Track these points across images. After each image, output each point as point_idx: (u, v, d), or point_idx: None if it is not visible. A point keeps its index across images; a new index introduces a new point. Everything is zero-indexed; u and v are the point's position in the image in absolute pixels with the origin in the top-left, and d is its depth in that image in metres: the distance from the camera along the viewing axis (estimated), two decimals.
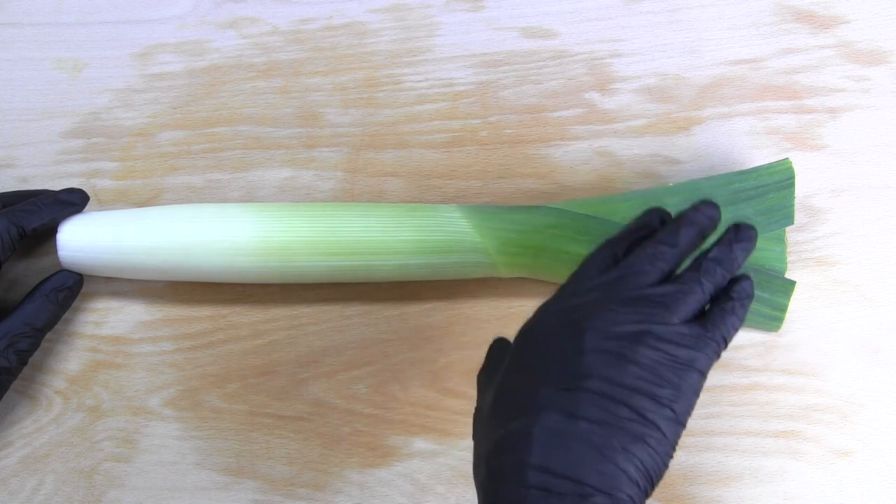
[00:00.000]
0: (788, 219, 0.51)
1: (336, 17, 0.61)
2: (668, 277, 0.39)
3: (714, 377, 0.51)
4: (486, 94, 0.58)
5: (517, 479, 0.35)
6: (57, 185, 0.54)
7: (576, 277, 0.40)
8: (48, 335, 0.51)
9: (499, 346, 0.43)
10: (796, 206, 0.52)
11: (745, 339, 0.52)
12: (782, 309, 0.51)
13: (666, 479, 0.49)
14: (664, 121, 0.57)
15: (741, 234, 0.40)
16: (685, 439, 0.49)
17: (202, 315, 0.53)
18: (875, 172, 0.56)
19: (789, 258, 0.52)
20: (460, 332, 0.52)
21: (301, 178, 0.56)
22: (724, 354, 0.51)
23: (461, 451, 0.50)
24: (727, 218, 0.51)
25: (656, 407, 0.36)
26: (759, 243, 0.51)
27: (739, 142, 0.57)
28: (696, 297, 0.38)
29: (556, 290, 0.41)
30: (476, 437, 0.40)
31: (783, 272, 0.51)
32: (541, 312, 0.40)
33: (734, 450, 0.49)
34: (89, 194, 0.52)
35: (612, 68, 0.59)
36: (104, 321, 0.53)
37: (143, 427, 0.51)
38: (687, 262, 0.40)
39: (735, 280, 0.40)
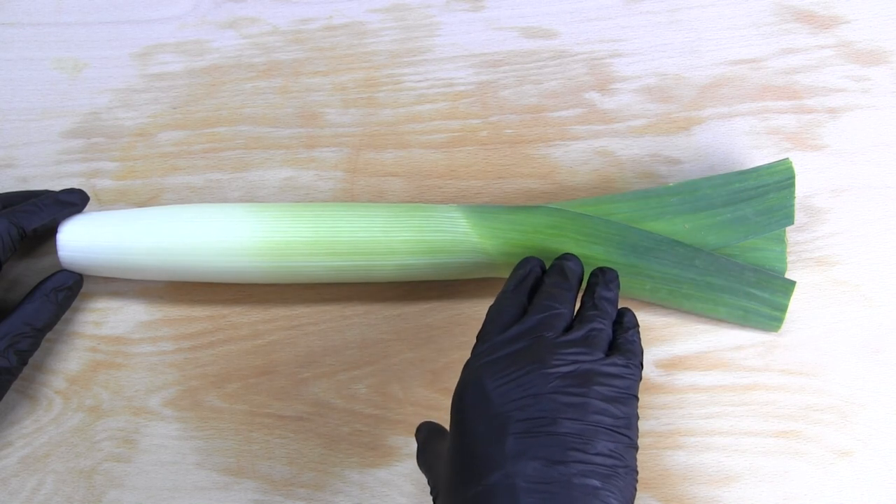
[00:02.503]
0: (788, 219, 0.51)
1: (336, 17, 0.61)
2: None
3: (714, 377, 0.51)
4: (486, 94, 0.58)
5: None
6: (57, 185, 0.54)
7: (492, 330, 0.42)
8: (48, 335, 0.51)
9: (428, 428, 0.45)
10: (796, 206, 0.52)
11: (745, 339, 0.52)
12: (782, 309, 0.51)
13: (666, 479, 0.49)
14: (664, 121, 0.57)
15: (608, 275, 0.44)
16: (685, 439, 0.50)
17: (202, 315, 0.53)
18: (875, 172, 0.56)
19: (789, 258, 0.52)
20: (460, 332, 0.52)
21: (301, 178, 0.56)
22: (724, 354, 0.52)
23: None
24: (727, 218, 0.51)
25: (618, 438, 0.38)
26: (759, 243, 0.51)
27: (739, 142, 0.57)
28: (606, 333, 0.42)
29: (475, 346, 0.42)
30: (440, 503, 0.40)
31: (783, 272, 0.51)
32: (471, 369, 0.41)
33: (734, 450, 0.49)
34: (89, 194, 0.52)
35: (612, 68, 0.59)
36: (104, 321, 0.53)
37: (143, 427, 0.51)
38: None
39: (621, 314, 0.44)
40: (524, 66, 0.59)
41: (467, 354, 0.41)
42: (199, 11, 0.62)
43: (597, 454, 0.37)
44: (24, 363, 0.48)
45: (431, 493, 0.42)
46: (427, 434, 0.45)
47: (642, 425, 0.49)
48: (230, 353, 0.52)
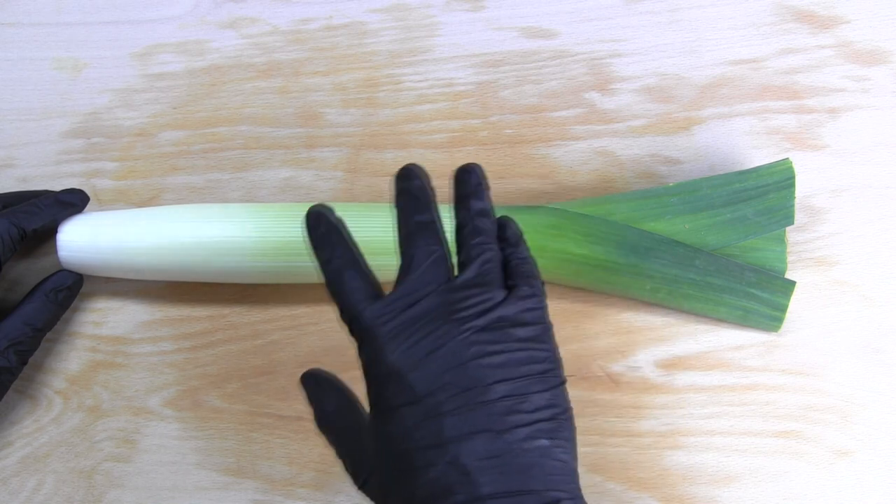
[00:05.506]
0: (788, 219, 0.51)
1: (336, 17, 0.61)
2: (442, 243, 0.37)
3: (714, 377, 0.51)
4: (486, 94, 0.58)
5: None
6: (57, 186, 0.54)
7: (355, 303, 0.37)
8: (48, 335, 0.51)
9: (317, 382, 0.39)
10: (796, 206, 0.52)
11: (745, 339, 0.52)
12: (782, 309, 0.51)
13: (666, 479, 0.49)
14: (664, 121, 0.57)
15: (472, 176, 0.38)
16: (685, 439, 0.50)
17: (202, 315, 0.53)
18: (875, 172, 0.56)
19: (789, 258, 0.52)
20: None
21: (301, 178, 0.56)
22: (724, 354, 0.52)
23: None
24: (727, 218, 0.51)
25: (548, 381, 0.35)
26: (759, 243, 0.51)
27: (739, 142, 0.57)
28: (496, 257, 0.37)
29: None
30: (377, 488, 0.36)
31: (783, 272, 0.51)
32: (373, 345, 0.36)
33: (734, 450, 0.49)
34: (89, 194, 0.52)
35: (612, 68, 0.59)
36: (104, 321, 0.53)
37: (143, 427, 0.51)
38: None
39: (501, 225, 0.39)
40: (524, 66, 0.59)
41: None
42: (199, 11, 0.62)
43: (535, 409, 0.35)
44: (24, 363, 0.48)
45: (345, 466, 0.38)
46: (323, 392, 0.39)
47: (642, 425, 0.50)
48: (230, 353, 0.52)
